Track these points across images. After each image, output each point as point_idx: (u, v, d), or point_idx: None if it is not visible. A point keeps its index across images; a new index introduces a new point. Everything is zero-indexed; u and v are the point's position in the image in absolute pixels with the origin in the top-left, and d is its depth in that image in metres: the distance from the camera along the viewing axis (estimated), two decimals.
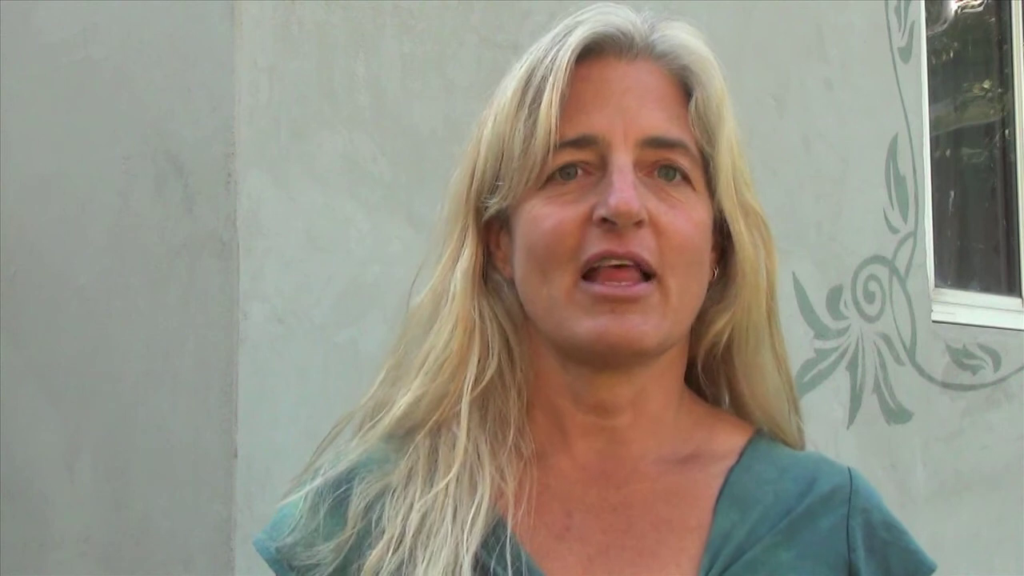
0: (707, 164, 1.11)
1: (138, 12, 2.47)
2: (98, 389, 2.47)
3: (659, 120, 1.09)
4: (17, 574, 2.56)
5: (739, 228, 1.12)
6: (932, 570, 1.14)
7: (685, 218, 1.08)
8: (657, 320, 1.06)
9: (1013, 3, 4.45)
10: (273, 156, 2.32)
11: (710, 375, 1.20)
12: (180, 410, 2.32)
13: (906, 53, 3.82)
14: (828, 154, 3.52)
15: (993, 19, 4.51)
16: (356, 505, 1.11)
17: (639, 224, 1.05)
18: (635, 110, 1.09)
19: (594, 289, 1.05)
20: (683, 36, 1.14)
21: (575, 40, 1.09)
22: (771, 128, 3.35)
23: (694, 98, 1.11)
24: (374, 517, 1.10)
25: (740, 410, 1.19)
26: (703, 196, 1.11)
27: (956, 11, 4.40)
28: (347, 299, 2.39)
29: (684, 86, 1.12)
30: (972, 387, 3.92)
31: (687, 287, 1.08)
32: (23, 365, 2.62)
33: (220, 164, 2.28)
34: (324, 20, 2.41)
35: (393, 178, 2.47)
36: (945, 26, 4.32)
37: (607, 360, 1.08)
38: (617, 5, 1.14)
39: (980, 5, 4.48)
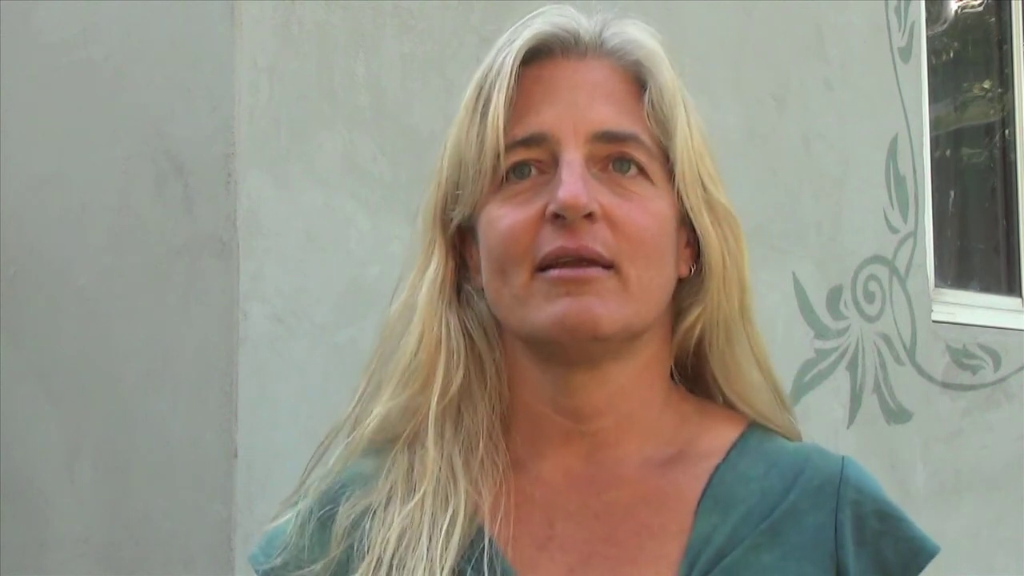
0: (668, 158, 1.11)
1: (138, 12, 2.47)
2: (98, 389, 2.47)
3: (609, 114, 1.09)
4: (17, 574, 2.56)
5: (704, 223, 1.12)
6: (931, 556, 1.12)
7: (641, 210, 1.08)
8: (616, 305, 1.05)
9: (1013, 3, 4.45)
10: (273, 156, 2.32)
11: (695, 372, 1.19)
12: (180, 410, 2.32)
13: (906, 53, 3.82)
14: (828, 154, 3.52)
15: (993, 19, 4.50)
16: (341, 524, 1.10)
17: (591, 218, 1.05)
18: (585, 105, 1.09)
19: (549, 274, 1.05)
20: (634, 32, 1.14)
21: (520, 43, 1.10)
22: (771, 128, 3.34)
23: (648, 91, 1.11)
24: (357, 537, 1.09)
25: (731, 407, 1.18)
26: (663, 189, 1.10)
27: (956, 11, 4.40)
28: (347, 299, 2.39)
29: (638, 80, 1.12)
30: (972, 387, 3.92)
31: (648, 277, 1.08)
32: (23, 365, 2.62)
33: (220, 164, 2.28)
34: (324, 20, 2.41)
35: (393, 178, 2.47)
36: (945, 26, 4.32)
37: (570, 349, 1.07)
38: (566, 7, 1.14)
39: (980, 5, 4.48)
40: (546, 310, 1.06)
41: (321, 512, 1.12)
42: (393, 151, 2.48)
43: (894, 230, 3.71)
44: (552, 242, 1.05)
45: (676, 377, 1.19)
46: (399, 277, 1.18)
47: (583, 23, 1.13)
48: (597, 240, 1.05)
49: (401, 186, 2.47)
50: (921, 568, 1.12)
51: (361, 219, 2.42)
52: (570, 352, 1.08)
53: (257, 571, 1.14)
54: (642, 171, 1.09)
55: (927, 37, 3.96)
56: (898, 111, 3.76)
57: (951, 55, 4.43)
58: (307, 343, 2.33)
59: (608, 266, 1.06)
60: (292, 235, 2.33)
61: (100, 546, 2.44)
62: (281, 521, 1.14)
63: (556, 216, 1.05)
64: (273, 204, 2.31)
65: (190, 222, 2.33)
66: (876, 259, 3.64)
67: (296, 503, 1.15)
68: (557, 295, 1.05)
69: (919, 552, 1.12)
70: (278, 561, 1.12)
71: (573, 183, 1.05)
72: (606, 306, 1.05)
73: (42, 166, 2.63)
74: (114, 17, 2.52)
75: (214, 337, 2.27)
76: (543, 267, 1.06)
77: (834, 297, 3.49)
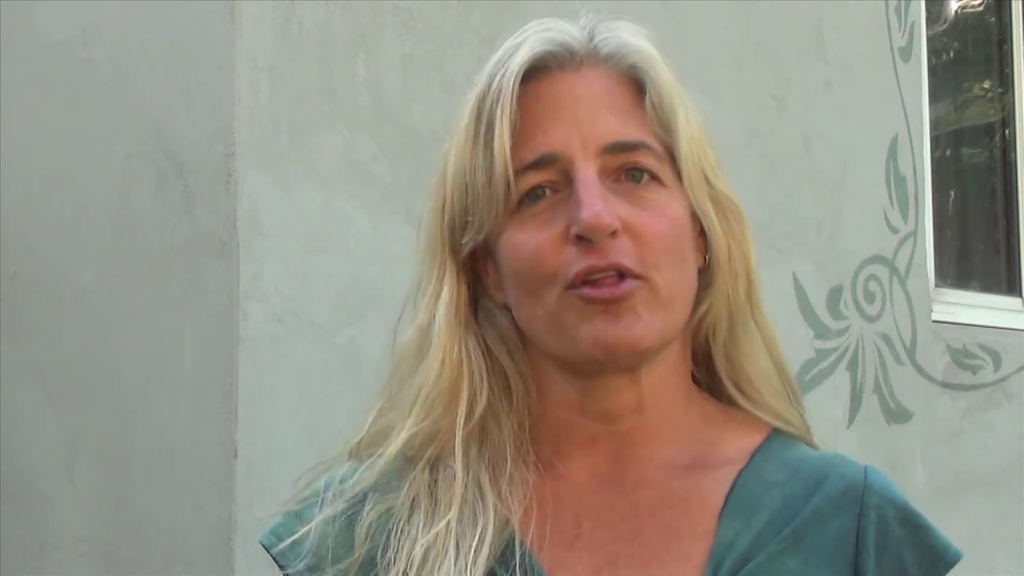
0: (674, 157, 1.11)
1: (138, 12, 2.47)
2: (98, 389, 2.47)
3: (615, 125, 1.09)
4: (17, 574, 2.56)
5: (710, 216, 1.12)
6: (952, 563, 1.12)
7: (659, 217, 1.08)
8: (649, 315, 1.06)
9: (1013, 3, 4.45)
10: (273, 156, 2.32)
11: (710, 368, 1.19)
12: (180, 410, 2.32)
13: (906, 53, 3.82)
14: (828, 154, 3.52)
15: (993, 19, 4.50)
16: (364, 524, 1.11)
17: (614, 233, 1.05)
18: (590, 119, 1.09)
19: (583, 292, 1.05)
20: (624, 36, 1.13)
21: (515, 65, 1.09)
22: (771, 128, 3.34)
23: (648, 94, 1.11)
24: (380, 542, 1.10)
25: (749, 403, 1.18)
26: (675, 190, 1.11)
27: (956, 11, 4.40)
28: (347, 299, 2.39)
29: (636, 84, 1.12)
30: (972, 387, 3.92)
31: (675, 281, 1.08)
32: (23, 365, 2.62)
33: (220, 164, 2.28)
34: (324, 20, 2.41)
35: (393, 178, 2.47)
36: (945, 26, 4.32)
37: (610, 368, 1.08)
38: (552, 19, 1.13)
39: (980, 5, 4.48)
40: (583, 331, 1.06)
41: (345, 517, 1.13)
42: (393, 151, 2.48)
43: (894, 230, 3.71)
44: (580, 262, 1.05)
45: (700, 376, 1.19)
46: (406, 299, 1.17)
47: (574, 34, 1.12)
48: (623, 254, 1.05)
49: (401, 186, 2.47)
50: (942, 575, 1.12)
51: (361, 219, 2.42)
52: (608, 368, 1.09)
53: (287, 572, 1.14)
54: (654, 177, 1.10)
55: (927, 37, 3.96)
56: (898, 111, 3.76)
57: (951, 55, 4.43)
58: (307, 343, 2.33)
59: (637, 277, 1.06)
60: (292, 235, 2.33)
61: (100, 546, 2.44)
62: (306, 528, 1.14)
63: (580, 238, 1.05)
64: (273, 204, 2.31)
65: (190, 222, 2.33)
66: (876, 259, 3.64)
67: (307, 512, 1.15)
68: (593, 313, 1.05)
69: (940, 559, 1.12)
70: (302, 565, 1.13)
71: (593, 203, 1.04)
72: (642, 321, 1.06)
73: (42, 166, 2.63)
74: (114, 17, 2.52)
75: (214, 337, 2.27)
76: (574, 284, 1.06)
77: (834, 297, 3.49)
